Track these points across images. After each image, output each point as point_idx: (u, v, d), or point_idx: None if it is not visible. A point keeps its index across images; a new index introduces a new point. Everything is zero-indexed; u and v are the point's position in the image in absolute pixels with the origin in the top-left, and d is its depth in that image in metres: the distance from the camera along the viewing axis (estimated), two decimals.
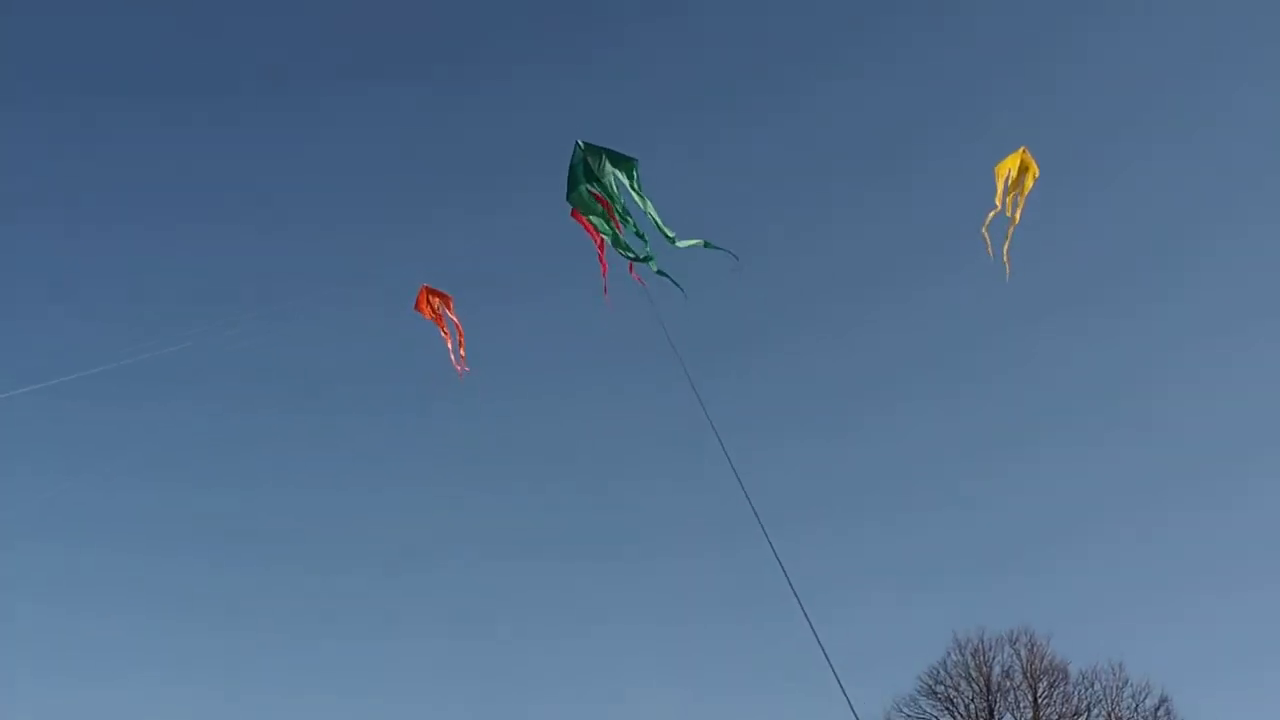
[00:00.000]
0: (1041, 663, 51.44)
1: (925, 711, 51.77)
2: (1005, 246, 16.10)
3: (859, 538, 71.16)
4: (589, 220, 19.07)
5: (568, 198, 19.18)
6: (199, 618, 64.30)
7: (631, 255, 18.81)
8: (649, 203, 18.65)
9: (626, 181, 18.74)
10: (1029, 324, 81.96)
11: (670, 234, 18.55)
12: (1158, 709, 49.79)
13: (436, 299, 23.79)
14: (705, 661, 62.75)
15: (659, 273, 18.75)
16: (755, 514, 13.95)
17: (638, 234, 18.85)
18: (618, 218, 18.89)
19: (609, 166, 18.77)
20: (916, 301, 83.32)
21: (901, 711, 51.74)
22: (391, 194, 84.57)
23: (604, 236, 19.00)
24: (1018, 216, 16.20)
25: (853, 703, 11.88)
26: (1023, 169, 16.38)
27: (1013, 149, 16.59)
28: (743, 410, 77.28)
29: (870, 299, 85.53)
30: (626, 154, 18.84)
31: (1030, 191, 16.23)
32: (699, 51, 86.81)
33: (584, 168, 18.99)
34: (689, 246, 18.49)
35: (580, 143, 19.03)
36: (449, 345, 23.24)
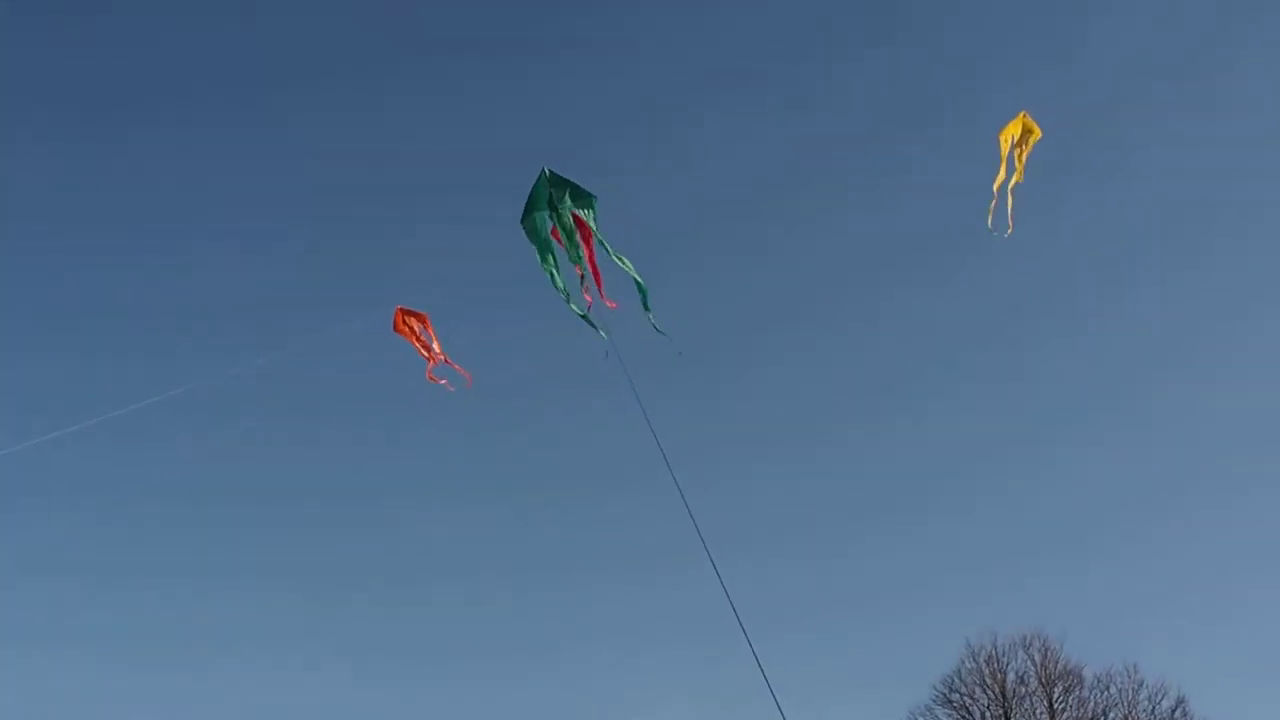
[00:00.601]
0: (1056, 667, 50.65)
1: None
2: (1009, 205, 15.83)
3: (867, 550, 70.19)
4: (539, 255, 19.20)
5: (521, 221, 19.21)
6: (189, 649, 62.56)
7: (561, 292, 19.08)
8: (606, 242, 18.96)
9: (585, 216, 18.85)
10: (1032, 326, 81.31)
11: (630, 269, 18.80)
12: (1174, 710, 49.00)
13: (413, 319, 23.31)
14: (694, 682, 61.53)
15: (582, 316, 19.06)
16: (700, 537, 13.94)
17: (581, 274, 19.15)
18: (567, 250, 19.06)
19: (569, 201, 18.82)
20: (916, 304, 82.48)
21: None
22: (351, 216, 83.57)
23: (546, 268, 19.17)
24: (1020, 175, 15.95)
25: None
26: (1025, 132, 16.12)
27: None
28: (742, 423, 76.95)
29: (864, 301, 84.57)
30: (588, 190, 18.89)
31: (1028, 170, 15.97)
32: (672, 59, 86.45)
33: (546, 196, 19.01)
34: (641, 291, 18.82)
35: (546, 170, 19.03)
36: (430, 364, 22.67)
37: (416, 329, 23.25)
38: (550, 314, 19.43)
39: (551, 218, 18.95)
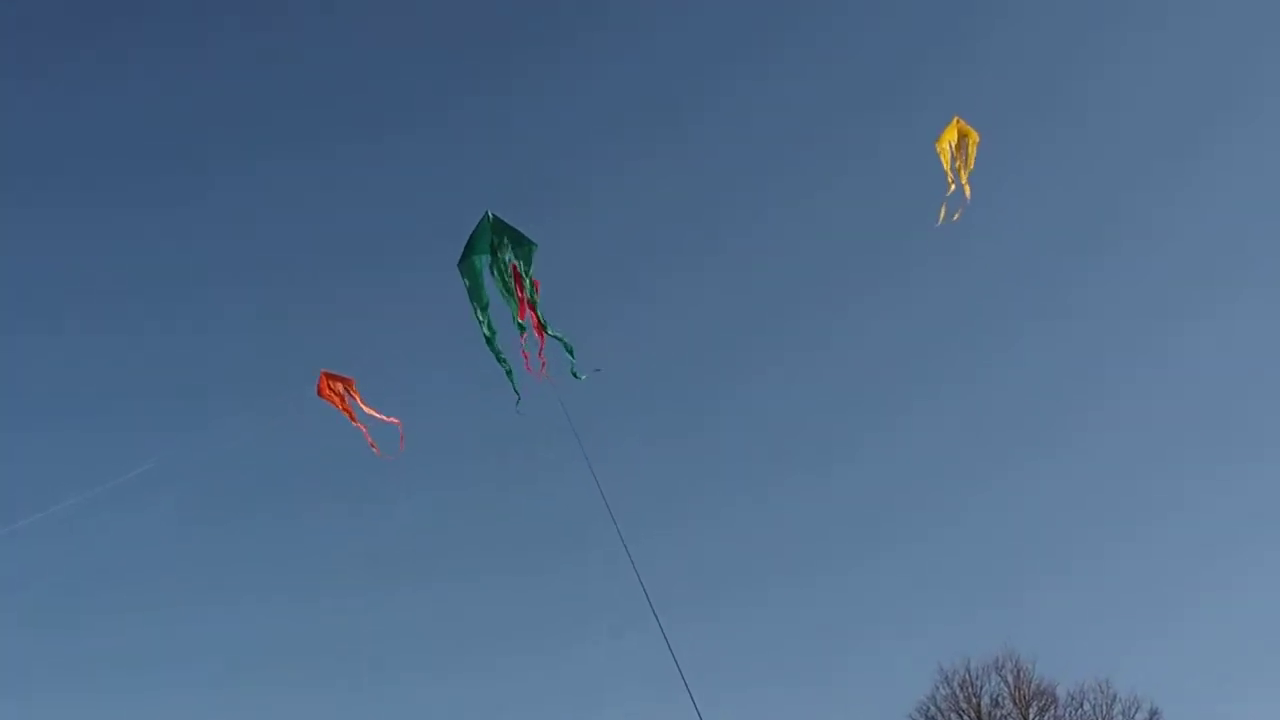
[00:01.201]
0: (1029, 687, 50.70)
1: None
2: (958, 212, 15.26)
3: (829, 586, 69.05)
4: (471, 300, 18.76)
5: (459, 263, 18.72)
6: None
7: (488, 338, 18.76)
8: (538, 303, 18.75)
9: (522, 265, 18.57)
10: (970, 351, 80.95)
11: (548, 325, 18.70)
12: None
13: (339, 383, 22.24)
14: None
15: (504, 367, 18.78)
16: (644, 590, 13.16)
17: (518, 323, 18.82)
18: (505, 301, 18.73)
19: (508, 249, 18.52)
20: (861, 330, 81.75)
21: None
22: (274, 281, 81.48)
23: (476, 311, 18.75)
24: (967, 187, 15.32)
25: None
26: (962, 136, 15.45)
27: None
28: (694, 466, 75.86)
29: (808, 329, 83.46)
30: (529, 237, 18.54)
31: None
32: (606, 87, 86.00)
33: (486, 240, 18.62)
34: (560, 340, 18.66)
35: (489, 214, 18.62)
36: (358, 424, 21.60)
37: (342, 393, 22.23)
38: (489, 370, 18.63)
39: (492, 266, 18.56)
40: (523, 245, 18.58)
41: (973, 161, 15.19)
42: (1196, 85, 78.23)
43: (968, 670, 51.06)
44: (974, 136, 15.42)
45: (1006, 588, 66.48)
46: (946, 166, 15.47)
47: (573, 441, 16.42)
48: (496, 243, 18.49)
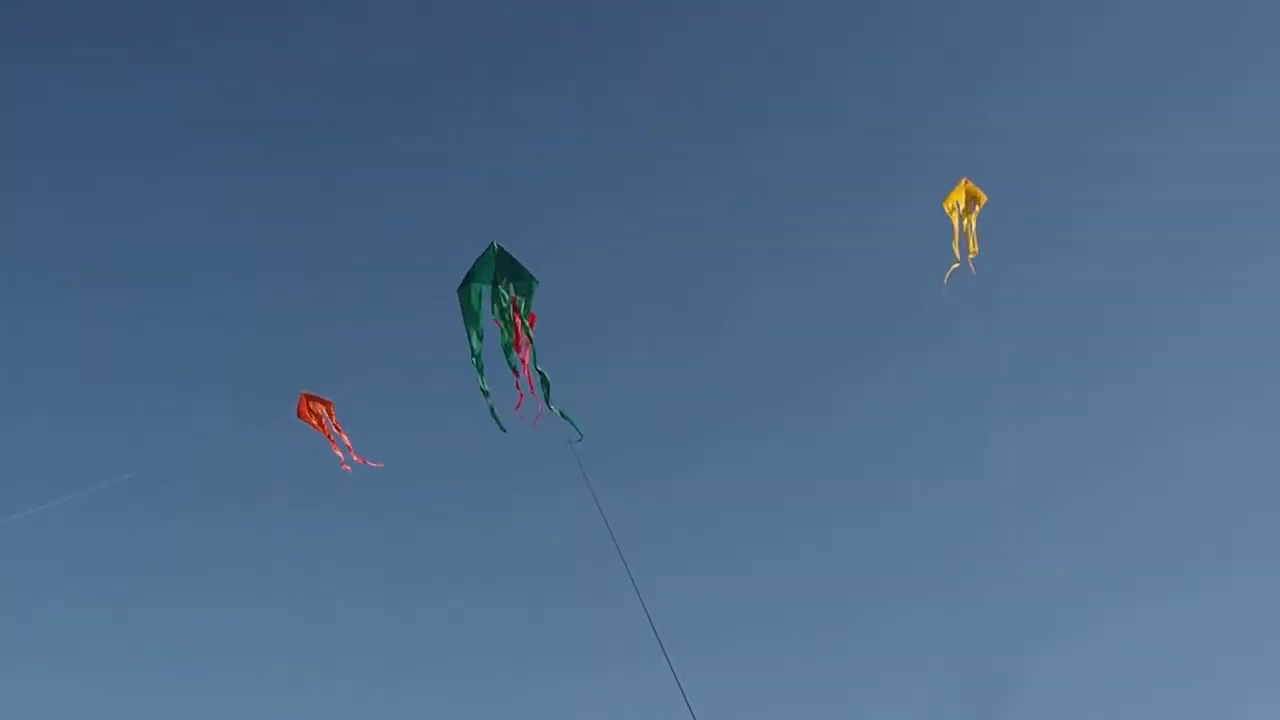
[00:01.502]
0: None
1: None
2: (970, 258, 15.18)
3: (821, 646, 67.69)
4: (466, 325, 18.39)
5: (458, 289, 18.47)
6: None
7: (478, 371, 18.41)
8: (533, 339, 18.42)
9: (520, 300, 18.41)
10: (981, 419, 79.76)
11: (549, 396, 18.05)
12: None
13: (319, 405, 22.11)
14: None
15: (490, 409, 18.13)
16: (654, 630, 12.52)
17: (518, 386, 18.19)
18: (500, 336, 18.44)
19: (504, 284, 18.29)
20: (868, 390, 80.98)
21: None
22: (270, 292, 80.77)
23: (471, 344, 18.43)
24: (974, 246, 15.06)
25: None
26: (970, 199, 15.26)
27: None
28: (683, 513, 74.82)
29: (816, 387, 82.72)
30: (531, 274, 18.25)
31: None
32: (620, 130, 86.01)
33: (489, 271, 18.34)
34: (564, 417, 17.85)
35: (495, 245, 18.34)
36: (336, 449, 21.47)
37: (321, 414, 22.11)
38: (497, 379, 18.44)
39: (492, 298, 18.19)
40: (523, 280, 18.48)
41: (976, 241, 15.08)
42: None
43: None
44: (982, 199, 15.46)
45: (1001, 658, 65.53)
46: (955, 229, 15.52)
47: (582, 458, 16.14)
48: (498, 277, 18.31)
